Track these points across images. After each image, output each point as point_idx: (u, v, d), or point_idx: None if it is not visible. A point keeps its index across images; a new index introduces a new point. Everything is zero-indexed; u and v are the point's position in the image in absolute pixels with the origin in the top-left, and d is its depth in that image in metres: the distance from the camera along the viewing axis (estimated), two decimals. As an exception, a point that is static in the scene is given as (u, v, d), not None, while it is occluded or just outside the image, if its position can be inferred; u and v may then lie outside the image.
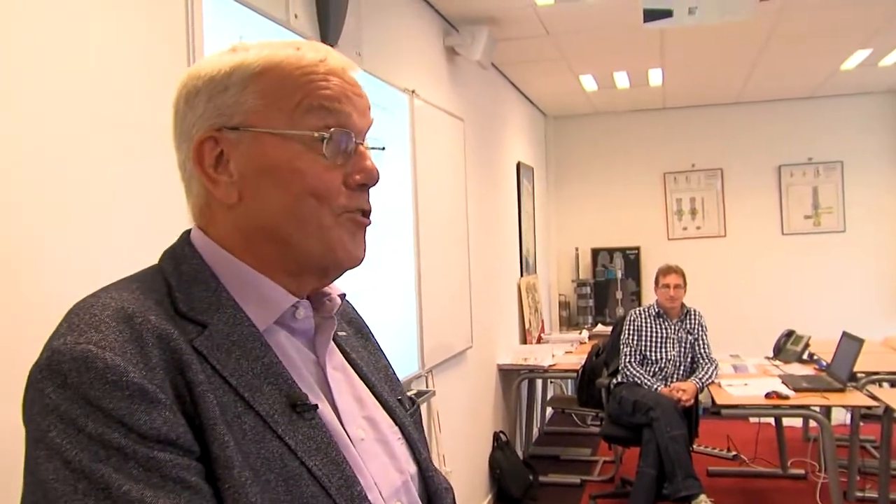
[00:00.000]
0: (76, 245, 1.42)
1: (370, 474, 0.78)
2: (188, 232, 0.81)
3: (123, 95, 1.56)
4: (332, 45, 2.49)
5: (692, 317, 4.35)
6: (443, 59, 3.93)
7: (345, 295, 0.88)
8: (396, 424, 0.87)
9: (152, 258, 0.81)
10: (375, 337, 1.00)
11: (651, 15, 2.66)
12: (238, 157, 0.76)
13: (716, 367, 4.20)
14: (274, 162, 0.75)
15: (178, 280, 0.75)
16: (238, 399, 0.70)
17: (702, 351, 4.26)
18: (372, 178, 0.80)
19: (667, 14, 2.62)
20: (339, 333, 0.89)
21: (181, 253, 0.79)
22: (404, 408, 0.91)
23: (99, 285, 0.74)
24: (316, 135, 0.76)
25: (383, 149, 0.85)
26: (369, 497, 0.75)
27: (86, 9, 1.47)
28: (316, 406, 0.76)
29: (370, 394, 0.87)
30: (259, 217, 0.77)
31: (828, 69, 5.62)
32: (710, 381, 4.12)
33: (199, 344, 0.70)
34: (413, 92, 3.25)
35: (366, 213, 0.81)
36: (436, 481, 0.89)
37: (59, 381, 0.63)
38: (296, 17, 2.34)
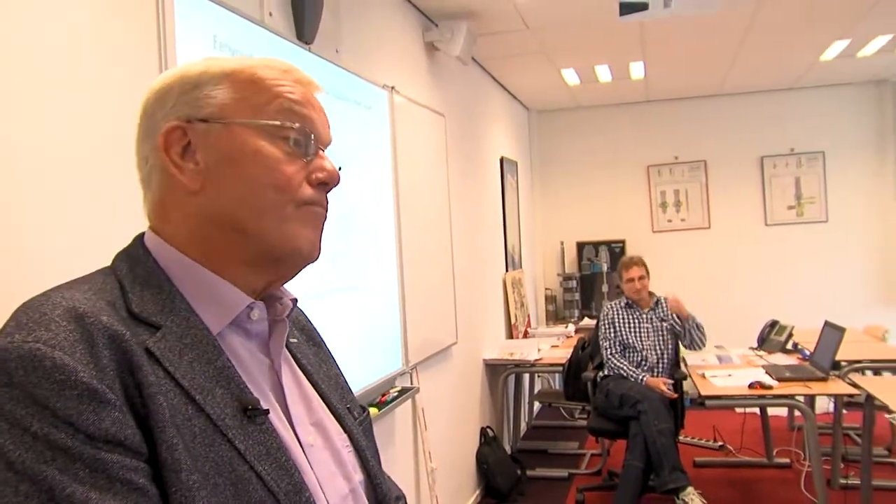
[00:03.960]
0: (50, 244, 1.40)
1: (318, 481, 0.79)
2: (142, 235, 0.82)
3: (91, 95, 1.53)
4: (308, 43, 2.49)
5: (662, 304, 4.37)
6: (422, 55, 3.92)
7: (296, 300, 0.88)
8: (345, 432, 0.88)
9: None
10: (327, 345, 1.01)
11: (627, 8, 2.66)
12: (205, 147, 0.78)
13: (696, 321, 4.26)
14: (240, 152, 0.77)
15: (132, 282, 0.75)
16: (189, 402, 0.70)
17: (678, 326, 4.28)
18: (333, 178, 0.82)
19: (642, 7, 2.63)
20: (291, 340, 0.90)
21: (135, 255, 0.79)
22: (353, 416, 0.92)
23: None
24: (281, 123, 0.78)
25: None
26: (317, 503, 0.76)
27: (53, 5, 1.45)
28: (267, 411, 0.76)
29: (320, 401, 0.88)
30: (218, 205, 0.77)
31: (807, 60, 5.64)
32: (699, 327, 4.25)
33: (153, 346, 0.70)
34: (392, 88, 3.24)
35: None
36: (384, 490, 0.90)
37: (4, 379, 0.62)
38: (270, 15, 2.31)
